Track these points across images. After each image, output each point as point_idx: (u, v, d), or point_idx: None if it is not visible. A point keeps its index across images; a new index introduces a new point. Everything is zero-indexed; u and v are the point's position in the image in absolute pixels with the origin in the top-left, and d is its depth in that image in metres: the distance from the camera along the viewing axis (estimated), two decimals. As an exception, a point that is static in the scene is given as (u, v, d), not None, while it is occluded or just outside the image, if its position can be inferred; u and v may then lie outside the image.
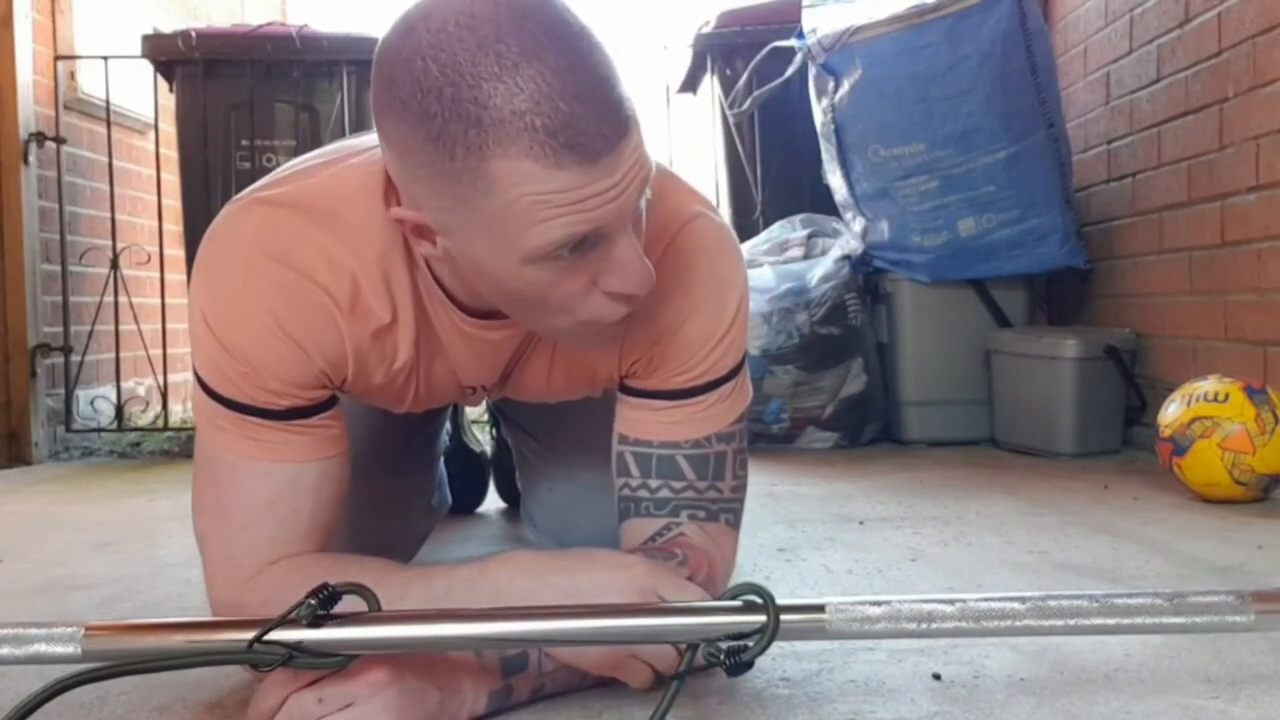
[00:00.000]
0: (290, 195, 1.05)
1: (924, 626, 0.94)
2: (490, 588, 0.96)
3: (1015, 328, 2.97)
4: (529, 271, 0.90)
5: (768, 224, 3.26)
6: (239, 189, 1.11)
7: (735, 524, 1.17)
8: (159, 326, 3.54)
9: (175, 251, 3.70)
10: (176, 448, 3.33)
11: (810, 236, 3.16)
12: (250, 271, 1.02)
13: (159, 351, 3.56)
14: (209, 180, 3.22)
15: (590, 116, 0.84)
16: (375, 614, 0.90)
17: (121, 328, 3.47)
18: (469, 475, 2.08)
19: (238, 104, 3.23)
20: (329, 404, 1.07)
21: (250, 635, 0.88)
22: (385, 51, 0.88)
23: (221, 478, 1.05)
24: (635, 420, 1.13)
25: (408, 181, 0.91)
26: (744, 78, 3.23)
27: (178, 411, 3.62)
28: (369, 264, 1.02)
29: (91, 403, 3.51)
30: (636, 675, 0.98)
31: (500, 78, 0.83)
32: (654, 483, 1.12)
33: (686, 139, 3.75)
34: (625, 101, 0.87)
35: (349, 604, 0.90)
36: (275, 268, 1.01)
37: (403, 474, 1.49)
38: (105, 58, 3.41)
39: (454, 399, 1.22)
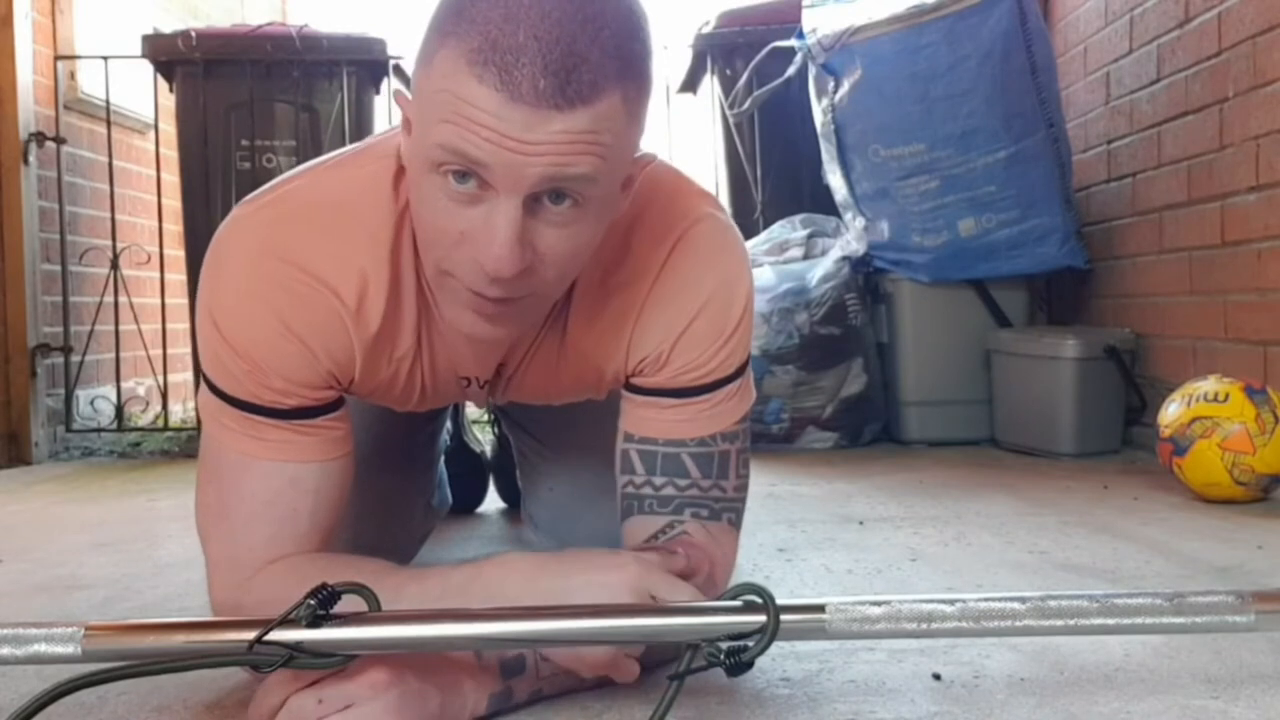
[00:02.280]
0: (295, 192, 1.05)
1: (924, 626, 0.94)
2: (483, 590, 0.95)
3: (1015, 328, 2.97)
4: (427, 181, 0.91)
5: (768, 224, 3.26)
6: (239, 189, 1.12)
7: (737, 523, 1.17)
8: (159, 326, 3.54)
9: (175, 251, 3.70)
10: (177, 448, 3.33)
11: (810, 236, 3.16)
12: (257, 271, 1.02)
13: (159, 351, 3.56)
14: (209, 180, 3.21)
15: (538, 60, 0.84)
16: (375, 614, 0.90)
17: (121, 328, 3.47)
18: (469, 475, 2.08)
19: (238, 104, 3.22)
20: (335, 405, 1.08)
21: (250, 636, 0.88)
22: None
23: (224, 476, 1.06)
24: (642, 418, 1.13)
25: (414, 69, 0.94)
26: (744, 78, 3.23)
27: (178, 411, 3.62)
28: (379, 252, 1.03)
29: (91, 403, 3.51)
30: (623, 671, 0.98)
31: None
32: (659, 480, 1.12)
33: (686, 139, 3.75)
34: (588, 87, 0.86)
35: (348, 604, 0.90)
36: (282, 268, 1.02)
37: (403, 474, 1.49)
38: (105, 58, 3.41)
39: (457, 394, 1.22)
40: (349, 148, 1.14)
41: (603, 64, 0.86)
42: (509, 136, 0.86)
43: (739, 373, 1.13)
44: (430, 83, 0.89)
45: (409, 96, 0.96)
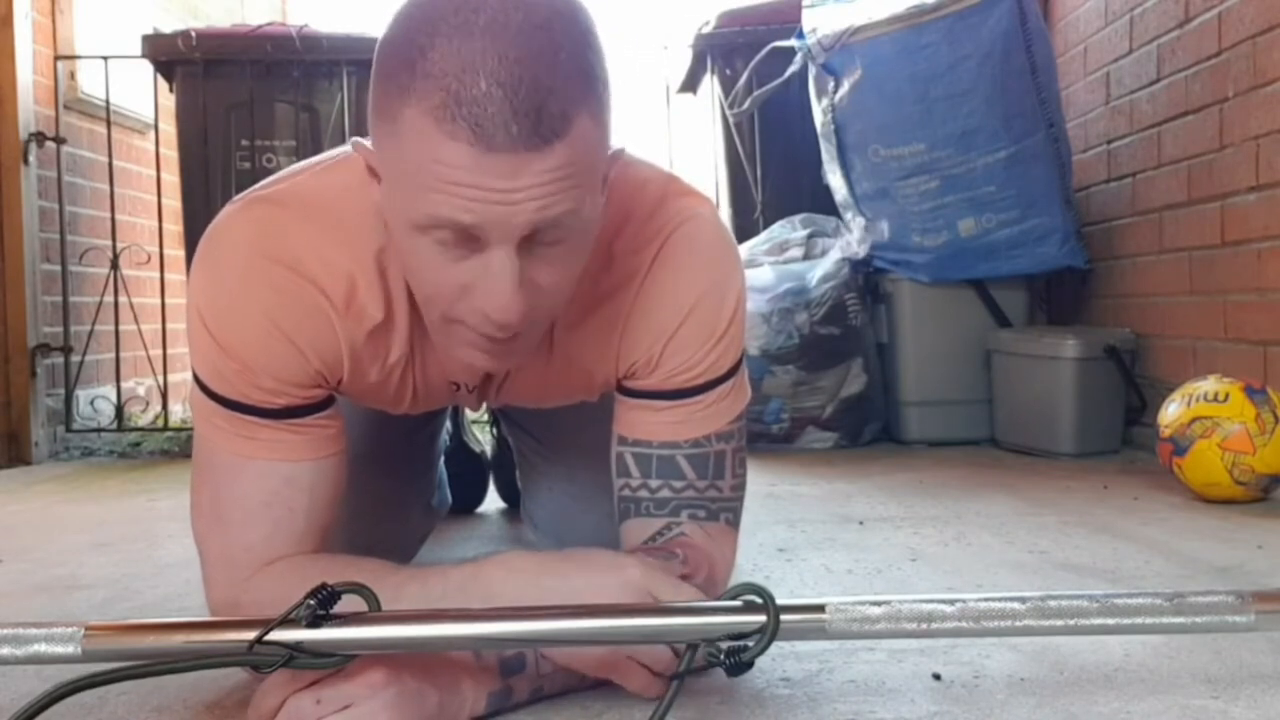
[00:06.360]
0: (287, 192, 1.05)
1: (924, 626, 0.94)
2: (483, 590, 0.95)
3: (1015, 328, 2.97)
4: (415, 241, 0.90)
5: (768, 224, 3.26)
6: (239, 189, 1.12)
7: (735, 523, 1.17)
8: (159, 326, 3.54)
9: (175, 251, 3.70)
10: (176, 448, 3.33)
11: (810, 236, 3.16)
12: (247, 271, 1.02)
13: (159, 351, 3.56)
14: (209, 180, 3.21)
15: (505, 106, 0.83)
16: (375, 614, 0.90)
17: (121, 328, 3.47)
18: (469, 475, 2.08)
19: (238, 104, 3.22)
20: (325, 404, 1.08)
21: (250, 636, 0.88)
22: None
23: (218, 477, 1.06)
24: (635, 421, 1.13)
25: (369, 113, 0.92)
26: (744, 78, 3.23)
27: (178, 411, 3.62)
28: (365, 259, 1.03)
29: (91, 403, 3.51)
30: (633, 677, 0.98)
31: (451, 38, 0.84)
32: (654, 483, 1.12)
33: (686, 139, 3.75)
34: (559, 119, 0.84)
35: (348, 604, 0.90)
36: (272, 267, 1.02)
37: (403, 474, 1.49)
38: (105, 58, 3.41)
39: (447, 398, 1.22)
40: (338, 150, 1.13)
41: (567, 89, 0.85)
42: (492, 189, 0.85)
43: (732, 372, 1.13)
44: (400, 144, 0.87)
45: (368, 146, 0.94)
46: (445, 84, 0.83)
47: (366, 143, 0.95)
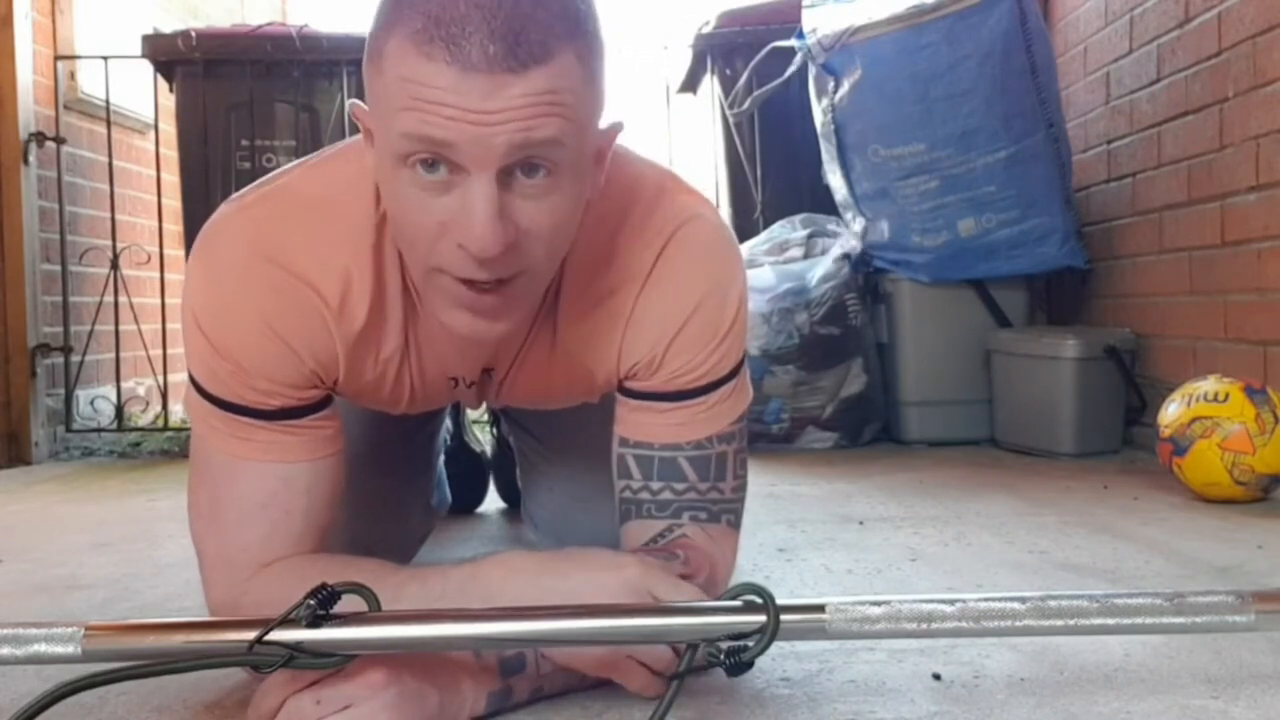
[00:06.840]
0: (282, 190, 1.06)
1: (924, 626, 0.94)
2: (483, 590, 0.95)
3: (1015, 328, 2.97)
4: (398, 176, 0.90)
5: (768, 224, 3.26)
6: (239, 189, 1.12)
7: (736, 524, 1.17)
8: (159, 326, 3.54)
9: (175, 251, 3.70)
10: (176, 448, 3.32)
11: (810, 236, 3.16)
12: (242, 272, 1.02)
13: (159, 351, 3.56)
14: (209, 180, 3.22)
15: (482, 26, 0.84)
16: (375, 614, 0.90)
17: (121, 328, 3.47)
18: (469, 475, 2.08)
19: (238, 104, 3.23)
20: (321, 405, 1.08)
21: (250, 636, 0.88)
22: None
23: (216, 478, 1.06)
24: (636, 423, 1.13)
25: (365, 74, 0.93)
26: (744, 78, 3.24)
27: (178, 411, 3.62)
28: (361, 252, 1.03)
29: (91, 403, 3.51)
30: (633, 677, 0.98)
31: None
32: (656, 485, 1.12)
33: (686, 139, 3.75)
34: (538, 46, 0.85)
35: (348, 604, 0.90)
36: (266, 268, 1.02)
37: (403, 474, 1.49)
38: (105, 58, 3.41)
39: (446, 396, 1.22)
40: (335, 145, 1.13)
41: (550, 24, 0.86)
42: (469, 109, 0.85)
43: (734, 373, 1.13)
44: (383, 77, 0.89)
45: (364, 107, 0.95)
46: (426, 9, 0.85)
47: (362, 111, 0.96)
